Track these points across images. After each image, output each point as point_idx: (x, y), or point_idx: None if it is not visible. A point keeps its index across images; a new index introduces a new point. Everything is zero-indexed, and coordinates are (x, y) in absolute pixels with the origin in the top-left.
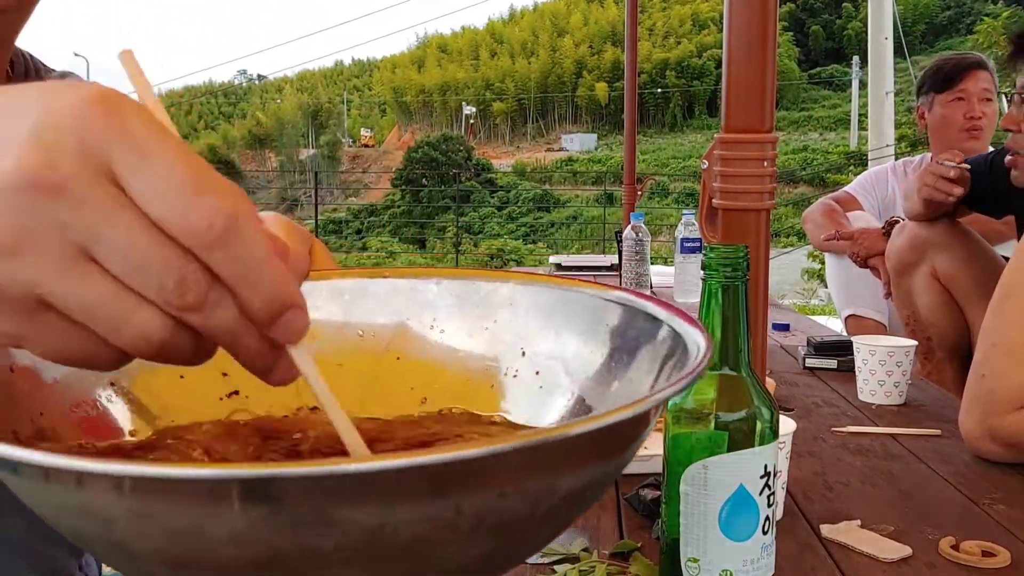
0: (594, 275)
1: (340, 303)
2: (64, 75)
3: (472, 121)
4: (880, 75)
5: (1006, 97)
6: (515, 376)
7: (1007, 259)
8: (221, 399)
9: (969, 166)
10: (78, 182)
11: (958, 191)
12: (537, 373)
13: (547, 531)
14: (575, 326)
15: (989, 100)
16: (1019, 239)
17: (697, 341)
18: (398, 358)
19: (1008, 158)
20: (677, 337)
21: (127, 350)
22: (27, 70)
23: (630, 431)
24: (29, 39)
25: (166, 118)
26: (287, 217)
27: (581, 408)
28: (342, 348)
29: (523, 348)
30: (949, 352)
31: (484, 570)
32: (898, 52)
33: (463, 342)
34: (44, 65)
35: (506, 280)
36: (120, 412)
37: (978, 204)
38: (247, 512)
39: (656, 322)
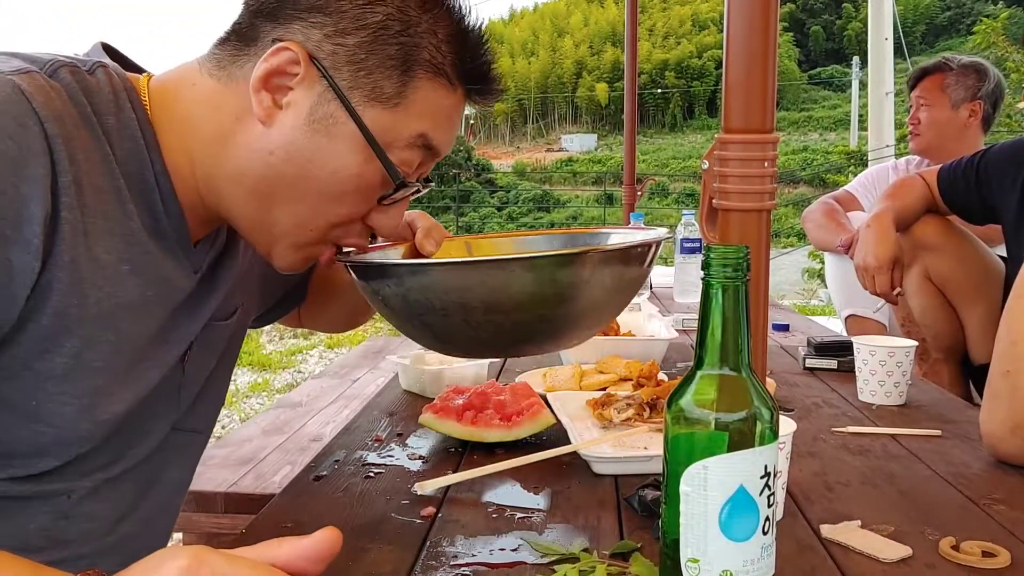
0: None
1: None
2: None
3: (472, 121)
4: (880, 75)
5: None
6: None
7: (1004, 259)
8: None
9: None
10: None
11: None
12: None
13: (603, 316)
14: None
15: (927, 105)
16: (1008, 246)
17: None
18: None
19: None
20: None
21: None
22: None
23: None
24: (28, 37)
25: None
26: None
27: None
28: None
29: None
30: (944, 353)
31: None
32: (898, 52)
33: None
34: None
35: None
36: None
37: (957, 210)
38: (554, 273)
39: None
